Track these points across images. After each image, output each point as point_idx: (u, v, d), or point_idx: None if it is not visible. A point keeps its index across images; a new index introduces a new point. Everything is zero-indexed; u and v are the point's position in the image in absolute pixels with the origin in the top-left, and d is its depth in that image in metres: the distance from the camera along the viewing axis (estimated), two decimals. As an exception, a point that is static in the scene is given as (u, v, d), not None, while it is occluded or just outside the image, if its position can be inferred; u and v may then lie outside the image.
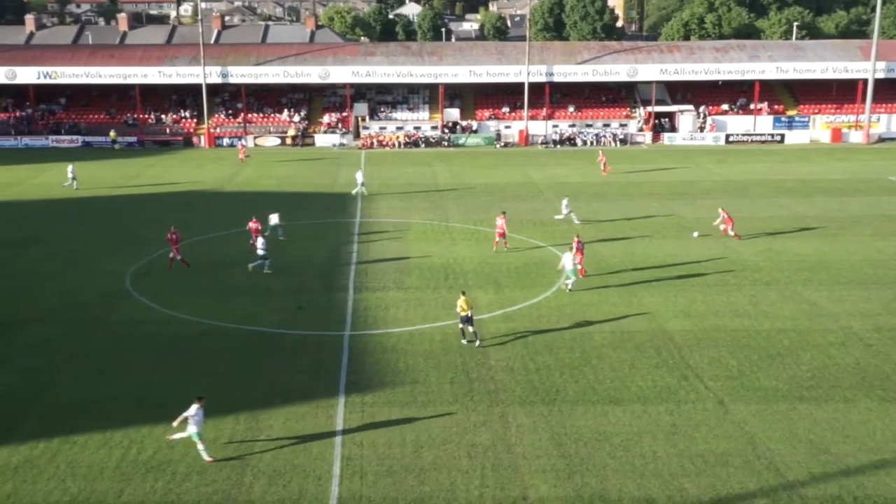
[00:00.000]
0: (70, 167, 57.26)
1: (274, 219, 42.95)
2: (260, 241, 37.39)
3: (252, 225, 40.88)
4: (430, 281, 36.51)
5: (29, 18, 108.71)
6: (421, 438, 22.81)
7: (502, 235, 40.87)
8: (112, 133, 75.54)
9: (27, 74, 77.03)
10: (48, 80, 77.44)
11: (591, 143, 78.36)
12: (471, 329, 29.06)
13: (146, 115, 79.85)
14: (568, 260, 34.69)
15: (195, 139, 77.68)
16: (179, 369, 27.54)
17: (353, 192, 54.31)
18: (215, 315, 32.19)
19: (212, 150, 75.03)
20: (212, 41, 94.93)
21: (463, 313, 28.81)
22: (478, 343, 29.00)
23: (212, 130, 77.87)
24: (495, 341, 29.58)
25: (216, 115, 79.95)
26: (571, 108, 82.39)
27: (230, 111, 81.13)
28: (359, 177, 55.31)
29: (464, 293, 29.68)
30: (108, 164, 65.77)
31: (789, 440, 22.50)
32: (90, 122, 79.21)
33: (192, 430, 21.57)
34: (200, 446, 21.60)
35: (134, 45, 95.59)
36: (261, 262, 37.01)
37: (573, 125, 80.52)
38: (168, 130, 78.85)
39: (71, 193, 55.22)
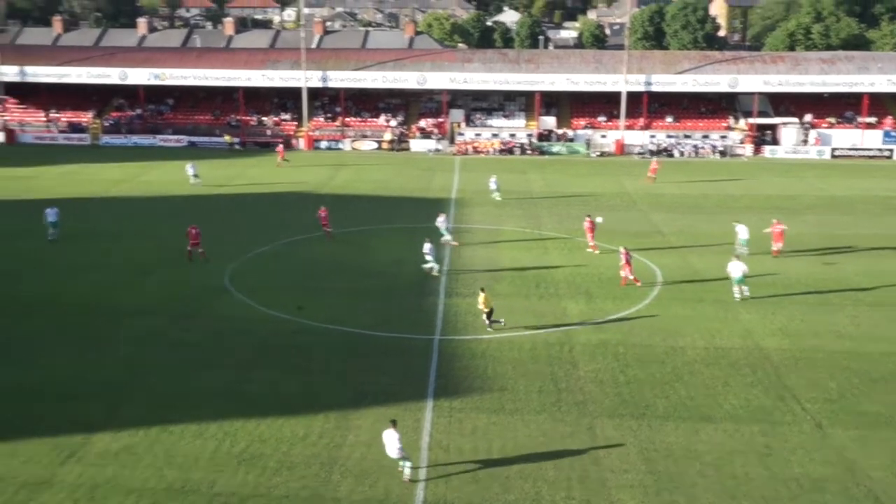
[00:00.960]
0: (189, 166, 59.34)
1: (441, 222, 43.61)
2: (427, 247, 37.85)
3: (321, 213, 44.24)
4: (521, 288, 36.40)
5: (141, 22, 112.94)
6: (507, 446, 22.74)
7: (591, 232, 42.41)
8: (227, 136, 77.80)
9: (138, 76, 79.98)
10: (157, 82, 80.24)
11: (690, 154, 76.87)
12: (487, 322, 31.16)
13: (249, 117, 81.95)
14: (735, 268, 34.56)
15: (294, 141, 79.32)
16: (273, 366, 28.15)
17: (495, 197, 54.26)
18: (309, 314, 32.77)
19: (311, 153, 76.49)
20: (313, 46, 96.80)
21: (485, 310, 30.92)
22: (489, 329, 31.01)
23: (311, 133, 79.41)
24: (585, 352, 29.29)
25: (315, 119, 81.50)
26: (669, 119, 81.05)
27: (329, 115, 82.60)
28: (492, 183, 55.25)
29: (483, 290, 31.55)
30: (211, 164, 67.63)
31: (892, 468, 21.60)
32: (196, 123, 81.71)
33: (393, 454, 20.86)
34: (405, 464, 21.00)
35: (239, 48, 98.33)
36: (431, 265, 37.65)
37: (671, 136, 79.15)
38: (269, 132, 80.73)
39: (176, 190, 56.98)
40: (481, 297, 31.27)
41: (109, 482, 20.99)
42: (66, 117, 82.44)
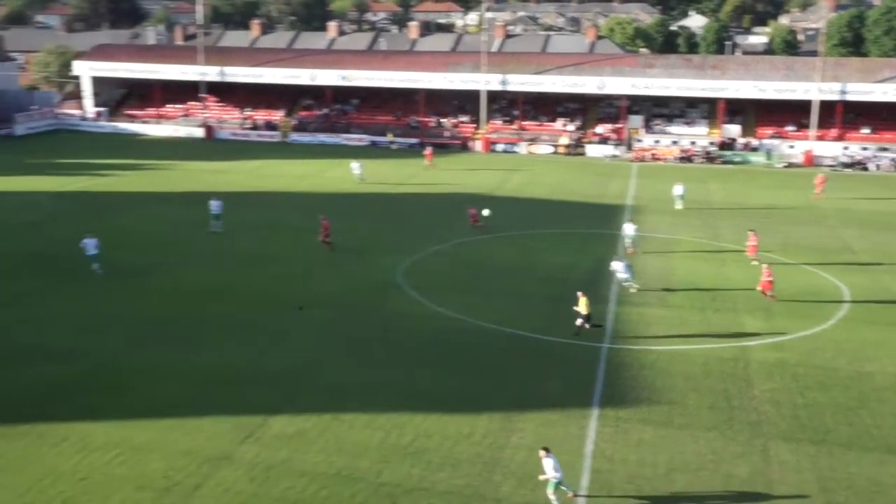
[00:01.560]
0: (355, 164, 61.42)
1: (628, 229, 42.90)
2: (620, 265, 36.30)
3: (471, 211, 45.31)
4: (695, 301, 35.28)
5: (332, 25, 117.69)
6: (674, 461, 22.11)
7: (754, 253, 40.28)
8: (389, 134, 79.92)
9: (327, 77, 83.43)
10: (344, 83, 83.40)
11: (888, 168, 71.99)
12: (578, 323, 30.79)
13: (428, 119, 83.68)
14: None
15: (471, 143, 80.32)
16: (440, 363, 28.61)
17: (677, 206, 53.09)
18: (477, 314, 33.08)
19: (487, 156, 77.22)
20: (494, 49, 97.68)
21: (584, 313, 30.63)
22: (576, 332, 30.74)
23: (488, 136, 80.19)
24: (761, 370, 28.03)
25: (493, 121, 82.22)
26: (866, 130, 76.19)
27: (507, 118, 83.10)
28: (678, 189, 54.14)
29: (582, 293, 31.02)
30: (390, 162, 69.63)
31: None
32: (378, 123, 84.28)
33: (553, 479, 19.90)
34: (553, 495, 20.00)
35: (422, 51, 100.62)
36: (628, 279, 36.50)
37: (866, 148, 74.42)
38: (447, 134, 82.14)
39: (356, 188, 59.00)
40: (582, 300, 30.77)
41: (283, 463, 22.00)
42: (259, 115, 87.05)
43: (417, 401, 25.55)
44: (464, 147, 79.64)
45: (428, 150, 69.73)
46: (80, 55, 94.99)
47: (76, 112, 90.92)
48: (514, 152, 78.53)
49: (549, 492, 19.83)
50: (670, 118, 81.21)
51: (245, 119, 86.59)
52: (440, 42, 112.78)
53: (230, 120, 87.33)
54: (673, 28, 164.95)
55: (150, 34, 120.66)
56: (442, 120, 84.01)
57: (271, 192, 57.73)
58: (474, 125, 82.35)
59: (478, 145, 79.95)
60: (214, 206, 46.12)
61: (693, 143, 77.16)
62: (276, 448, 22.75)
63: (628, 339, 30.96)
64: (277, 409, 25.00)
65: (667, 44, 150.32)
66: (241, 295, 35.66)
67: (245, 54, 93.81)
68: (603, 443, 23.12)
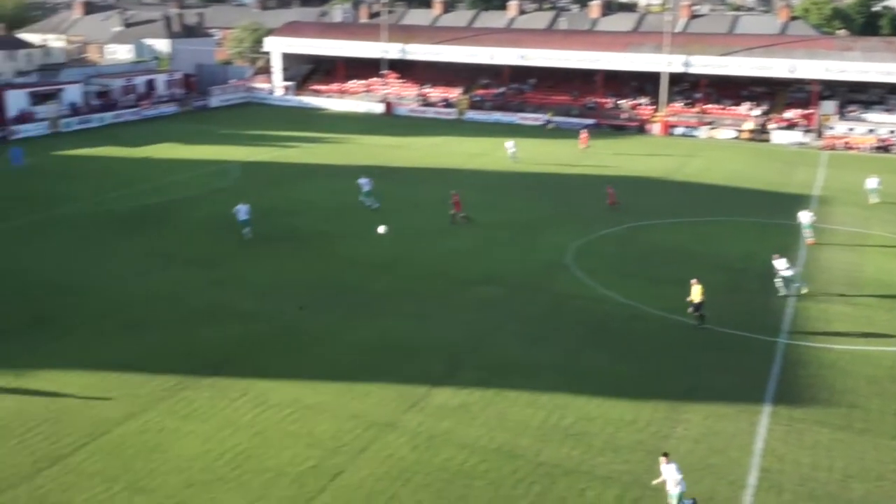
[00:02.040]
0: (509, 143, 61.49)
1: (804, 217, 41.14)
2: (782, 262, 33.70)
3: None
4: (884, 300, 33.09)
5: (512, 4, 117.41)
6: (851, 468, 20.96)
7: None
8: (549, 113, 79.26)
9: (505, 56, 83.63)
10: (522, 62, 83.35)
11: None
12: (690, 310, 30.05)
13: (605, 100, 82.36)
14: None
15: (649, 126, 78.45)
16: (605, 347, 28.30)
17: (872, 199, 49.99)
18: (646, 300, 32.45)
19: (664, 139, 75.24)
20: (678, 30, 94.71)
21: (696, 301, 29.75)
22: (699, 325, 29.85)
23: (667, 119, 78.06)
24: (956, 379, 26.05)
25: (673, 104, 79.94)
26: None
27: (688, 101, 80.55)
28: (872, 182, 50.50)
29: (696, 281, 30.02)
30: (563, 143, 68.98)
31: None
32: (554, 103, 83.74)
33: (674, 490, 18.81)
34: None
35: (602, 31, 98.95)
36: (785, 283, 34.03)
37: None
38: (624, 115, 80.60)
39: (528, 167, 58.92)
40: (695, 288, 29.85)
41: (445, 434, 22.47)
42: (436, 93, 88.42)
43: (581, 383, 25.43)
44: (640, 130, 77.83)
45: (583, 133, 68.30)
46: (272, 32, 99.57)
47: (265, 86, 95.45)
48: (694, 136, 76.04)
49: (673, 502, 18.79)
50: (868, 105, 76.11)
51: (419, 96, 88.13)
52: (622, 22, 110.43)
53: (408, 96, 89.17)
54: (876, 8, 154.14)
55: (337, 12, 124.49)
56: (619, 101, 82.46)
57: (445, 169, 58.58)
58: (653, 107, 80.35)
59: (655, 128, 77.98)
60: (364, 183, 47.03)
61: (893, 132, 72.10)
62: (439, 418, 23.26)
63: (807, 335, 29.47)
64: (442, 380, 25.53)
65: (868, 25, 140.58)
66: (412, 268, 36.53)
67: (426, 32, 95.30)
68: (774, 441, 22.21)
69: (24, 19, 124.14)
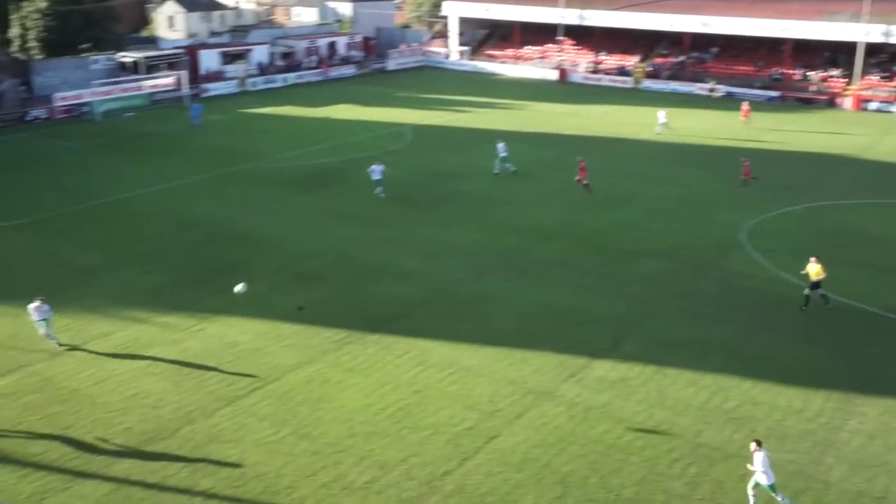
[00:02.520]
0: (661, 112, 59.51)
1: None
2: None
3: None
4: None
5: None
6: None
7: None
8: (712, 81, 75.91)
9: (685, 23, 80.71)
10: (704, 30, 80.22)
11: None
12: (819, 292, 28.28)
13: (793, 71, 78.15)
14: None
15: (839, 100, 73.89)
16: (776, 329, 27.15)
17: None
18: (825, 284, 30.75)
19: (856, 114, 70.70)
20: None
21: (814, 279, 28.04)
22: (829, 306, 28.27)
23: (860, 92, 73.24)
24: None
25: (868, 77, 74.86)
26: None
27: (885, 74, 75.21)
28: None
29: (816, 259, 28.30)
30: (719, 114, 66.04)
31: None
32: (736, 74, 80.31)
33: (760, 479, 18.00)
34: (778, 498, 18.09)
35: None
36: None
37: None
38: (813, 88, 76.23)
39: (708, 140, 56.87)
40: (815, 266, 28.09)
41: (602, 407, 22.32)
42: (612, 60, 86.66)
43: (747, 365, 24.55)
44: (830, 104, 73.44)
45: (745, 106, 64.73)
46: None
47: (441, 50, 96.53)
48: (891, 112, 71.02)
49: (751, 486, 18.13)
50: None
51: (592, 63, 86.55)
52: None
53: (583, 63, 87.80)
54: None
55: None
56: (808, 73, 78.03)
57: (618, 139, 57.50)
58: (845, 80, 75.57)
59: (847, 102, 73.37)
60: (501, 148, 46.59)
61: None
62: (597, 391, 23.11)
63: None
64: (602, 353, 25.31)
65: None
66: (579, 237, 36.25)
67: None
68: (959, 443, 20.73)
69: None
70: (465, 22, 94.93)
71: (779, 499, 17.99)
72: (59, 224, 37.25)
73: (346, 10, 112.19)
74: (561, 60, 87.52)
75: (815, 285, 28.26)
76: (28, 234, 36.02)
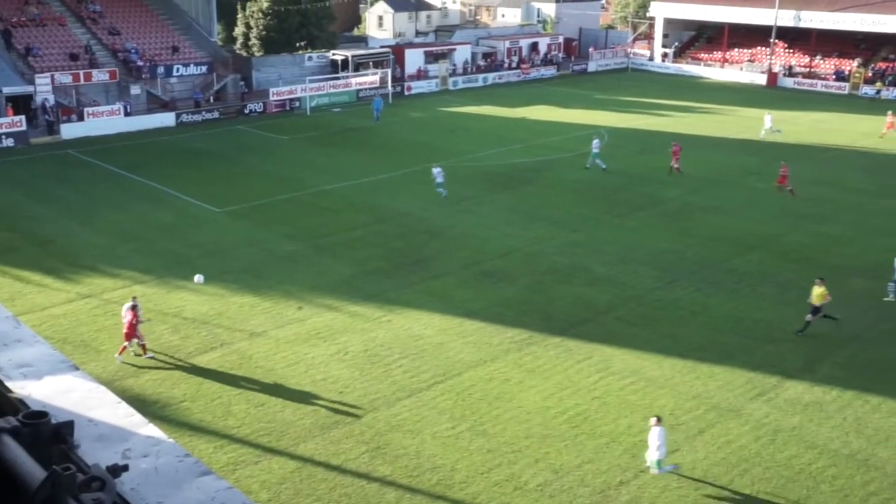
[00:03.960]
0: (767, 117, 56.05)
1: None
2: None
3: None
4: None
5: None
6: None
7: None
8: (878, 84, 69.91)
9: None
10: (936, 32, 74.23)
11: None
12: (807, 318, 26.18)
13: None
14: None
15: None
16: None
17: None
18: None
19: None
20: None
21: (815, 304, 25.98)
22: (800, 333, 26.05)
23: None
24: None
25: None
26: None
27: None
28: None
29: (821, 281, 26.43)
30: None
31: None
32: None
33: (653, 455, 19.12)
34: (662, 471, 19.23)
35: None
36: None
37: None
38: None
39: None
40: (816, 290, 26.28)
41: (793, 430, 21.22)
42: (828, 64, 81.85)
43: (962, 400, 22.59)
44: None
45: (890, 116, 57.00)
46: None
47: (645, 52, 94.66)
48: None
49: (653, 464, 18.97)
50: None
51: (807, 67, 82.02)
52: None
53: (797, 67, 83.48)
54: None
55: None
56: None
57: (830, 147, 54.30)
58: None
59: None
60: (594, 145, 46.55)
61: None
62: (789, 413, 21.99)
63: None
64: (797, 373, 24.06)
65: None
66: (782, 250, 34.60)
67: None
68: None
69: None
70: (670, 23, 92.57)
71: (662, 471, 18.91)
72: (267, 212, 39.62)
73: (549, 10, 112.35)
74: (771, 64, 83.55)
75: (815, 310, 26.07)
76: (240, 220, 38.55)
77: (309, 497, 18.55)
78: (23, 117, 53.84)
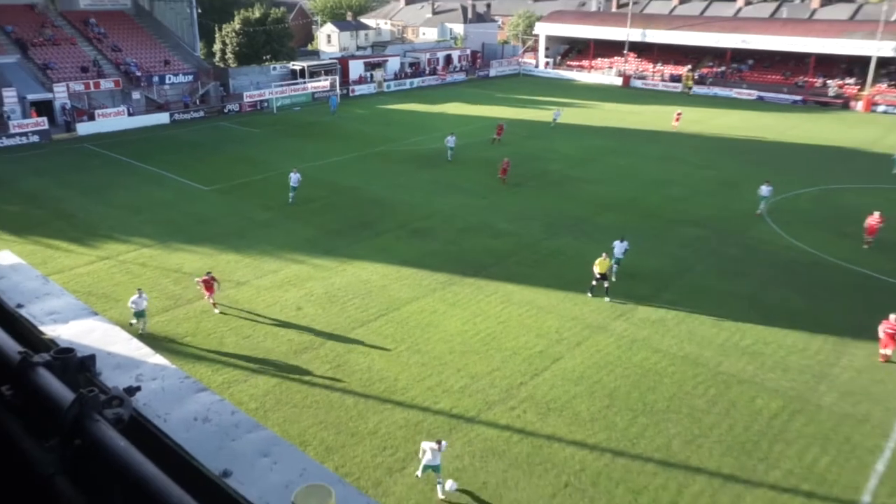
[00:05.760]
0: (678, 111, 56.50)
1: None
2: None
3: None
4: None
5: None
6: None
7: None
8: (689, 80, 71.78)
9: (728, 40, 76.60)
10: (743, 45, 76.02)
11: None
12: (605, 285, 24.44)
13: (814, 79, 73.40)
14: None
15: (853, 104, 69.08)
16: (788, 285, 25.98)
17: None
18: (829, 251, 29.28)
19: (866, 115, 66.04)
20: (893, 19, 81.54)
21: (598, 273, 24.29)
22: (607, 300, 24.27)
23: (871, 97, 68.25)
24: None
25: (878, 85, 69.65)
26: None
27: (893, 82, 69.77)
28: None
29: (606, 255, 24.85)
30: (777, 116, 62.60)
31: None
32: (767, 81, 75.99)
33: (430, 461, 14.84)
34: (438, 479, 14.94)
35: (819, 20, 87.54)
36: None
37: None
38: (831, 93, 71.43)
39: (735, 132, 54.23)
40: (602, 261, 24.34)
41: (644, 340, 21.92)
42: (667, 69, 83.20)
43: (761, 313, 23.64)
44: (845, 106, 68.89)
45: (677, 114, 55.64)
46: (540, 18, 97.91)
47: (531, 61, 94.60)
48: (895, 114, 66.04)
49: (420, 471, 15.22)
50: None
51: (652, 72, 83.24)
52: (839, 11, 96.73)
53: (644, 72, 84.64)
54: None
55: (593, 2, 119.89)
56: (828, 81, 73.15)
57: (672, 133, 55.46)
58: (858, 87, 70.53)
59: (859, 105, 68.56)
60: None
61: None
62: (640, 328, 22.68)
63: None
64: (646, 299, 24.76)
65: None
66: (635, 208, 35.32)
67: (664, 20, 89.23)
68: (935, 382, 19.49)
69: (365, 8, 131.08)
70: (551, 39, 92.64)
71: (437, 480, 14.91)
72: (245, 189, 38.63)
73: (459, 29, 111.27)
74: (625, 69, 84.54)
75: (601, 277, 24.43)
76: (224, 195, 37.50)
77: (287, 405, 18.44)
78: (45, 118, 51.33)
